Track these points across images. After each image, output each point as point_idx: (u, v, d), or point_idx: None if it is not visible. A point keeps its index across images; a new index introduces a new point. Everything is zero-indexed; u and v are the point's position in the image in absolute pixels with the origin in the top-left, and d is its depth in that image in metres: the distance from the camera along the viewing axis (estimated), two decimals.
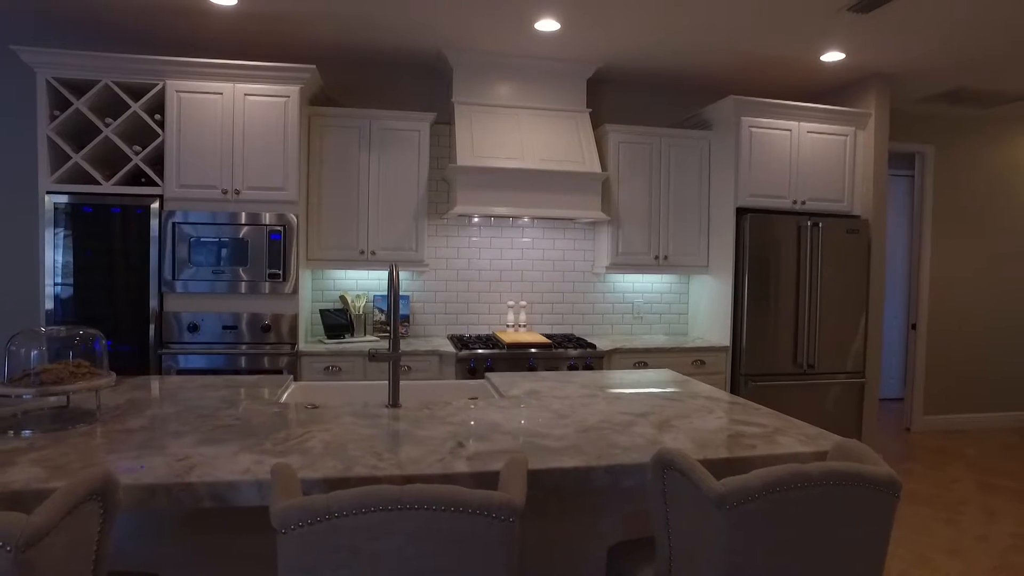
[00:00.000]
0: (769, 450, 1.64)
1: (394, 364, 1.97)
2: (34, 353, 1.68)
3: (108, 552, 1.16)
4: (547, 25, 3.31)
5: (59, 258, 3.20)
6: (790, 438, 1.74)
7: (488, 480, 1.41)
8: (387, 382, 2.49)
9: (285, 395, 2.23)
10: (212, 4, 3.13)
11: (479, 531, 1.07)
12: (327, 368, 3.44)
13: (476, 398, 2.26)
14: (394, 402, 1.97)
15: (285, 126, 3.36)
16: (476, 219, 4.13)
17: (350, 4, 3.11)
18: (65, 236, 3.19)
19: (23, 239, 3.65)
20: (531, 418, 1.89)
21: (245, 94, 3.32)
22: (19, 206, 3.62)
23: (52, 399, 1.90)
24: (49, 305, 3.19)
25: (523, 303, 4.16)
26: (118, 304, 3.26)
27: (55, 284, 3.19)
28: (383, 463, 1.44)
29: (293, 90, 3.36)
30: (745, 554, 1.21)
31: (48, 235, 3.18)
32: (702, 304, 4.28)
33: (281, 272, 3.38)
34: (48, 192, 3.17)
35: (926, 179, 4.96)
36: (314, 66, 3.34)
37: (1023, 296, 5.24)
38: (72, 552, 1.06)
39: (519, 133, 3.77)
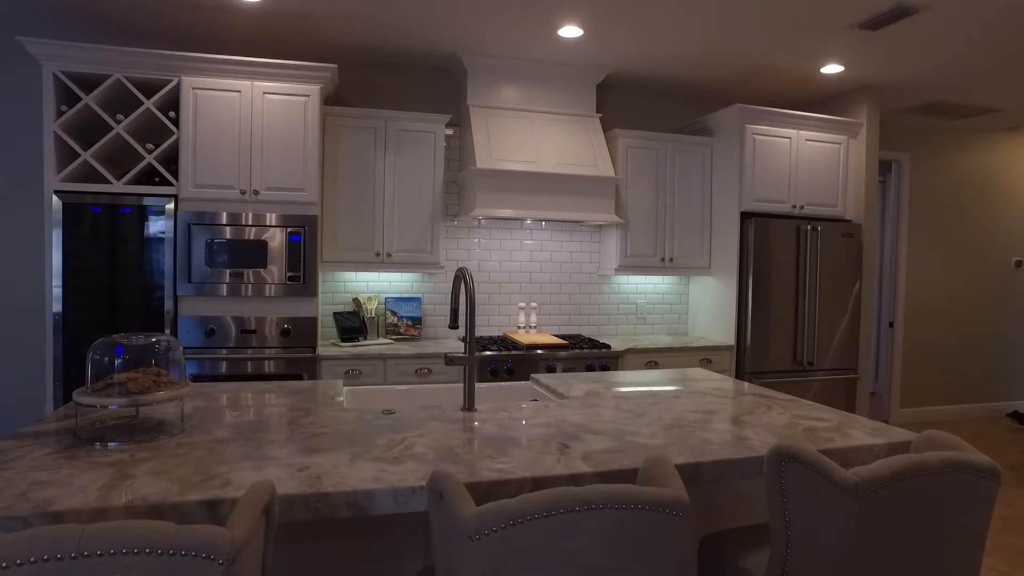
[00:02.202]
0: (846, 443, 1.74)
1: (470, 368, 1.98)
2: (118, 362, 1.62)
3: (271, 564, 1.14)
4: (570, 32, 3.37)
5: (67, 260, 3.04)
6: (858, 431, 1.85)
7: (611, 479, 1.45)
8: (427, 386, 2.50)
9: (345, 400, 2.21)
10: (237, 0, 3.04)
11: (655, 527, 1.12)
12: (347, 372, 3.39)
13: (536, 400, 2.29)
14: (470, 405, 1.99)
15: (305, 126, 3.30)
16: (482, 221, 4.15)
17: (378, 5, 3.08)
18: (73, 237, 3.04)
19: (28, 239, 3.45)
20: (610, 418, 1.93)
21: (264, 92, 3.24)
22: (24, 205, 3.42)
23: (118, 408, 1.83)
24: (57, 308, 3.03)
25: (534, 305, 4.20)
26: (130, 308, 3.13)
27: (63, 287, 3.04)
28: (505, 467, 1.46)
29: (313, 89, 3.30)
30: (870, 539, 1.30)
31: (55, 236, 3.02)
32: (704, 304, 4.43)
33: (301, 274, 3.32)
34: (55, 191, 3.01)
35: (902, 185, 5.27)
36: (336, 65, 3.29)
37: (990, 296, 5.64)
38: (252, 565, 1.04)
39: (533, 137, 3.82)
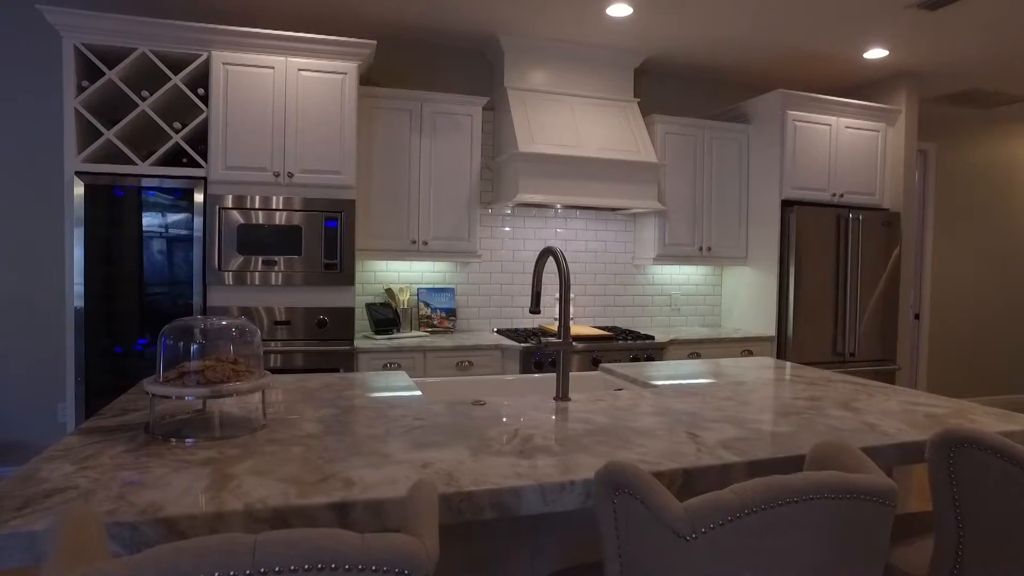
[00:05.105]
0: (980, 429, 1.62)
1: (565, 355, 1.83)
2: (194, 348, 1.44)
3: None
4: (619, 10, 3.23)
5: (88, 246, 2.82)
6: (983, 417, 1.73)
7: (763, 469, 1.31)
8: (490, 377, 2.35)
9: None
10: None
11: (869, 518, 0.98)
12: (385, 365, 3.22)
13: (621, 389, 2.15)
14: (564, 395, 1.84)
15: (342, 105, 3.12)
16: (514, 209, 3.99)
17: None
18: (95, 221, 2.83)
19: (46, 222, 3.22)
20: (717, 406, 1.80)
21: (299, 69, 3.05)
22: (42, 187, 3.19)
23: (194, 399, 1.65)
24: (79, 302, 2.81)
25: (571, 296, 4.05)
26: (156, 297, 2.92)
27: (83, 275, 2.82)
28: (646, 458, 1.32)
29: (351, 67, 3.12)
30: None
31: (76, 221, 2.80)
32: (739, 295, 4.32)
33: (338, 262, 3.13)
34: (77, 172, 2.79)
35: (929, 175, 5.22)
36: (374, 42, 3.11)
37: (1016, 287, 5.61)
38: None
39: (573, 121, 3.67)
